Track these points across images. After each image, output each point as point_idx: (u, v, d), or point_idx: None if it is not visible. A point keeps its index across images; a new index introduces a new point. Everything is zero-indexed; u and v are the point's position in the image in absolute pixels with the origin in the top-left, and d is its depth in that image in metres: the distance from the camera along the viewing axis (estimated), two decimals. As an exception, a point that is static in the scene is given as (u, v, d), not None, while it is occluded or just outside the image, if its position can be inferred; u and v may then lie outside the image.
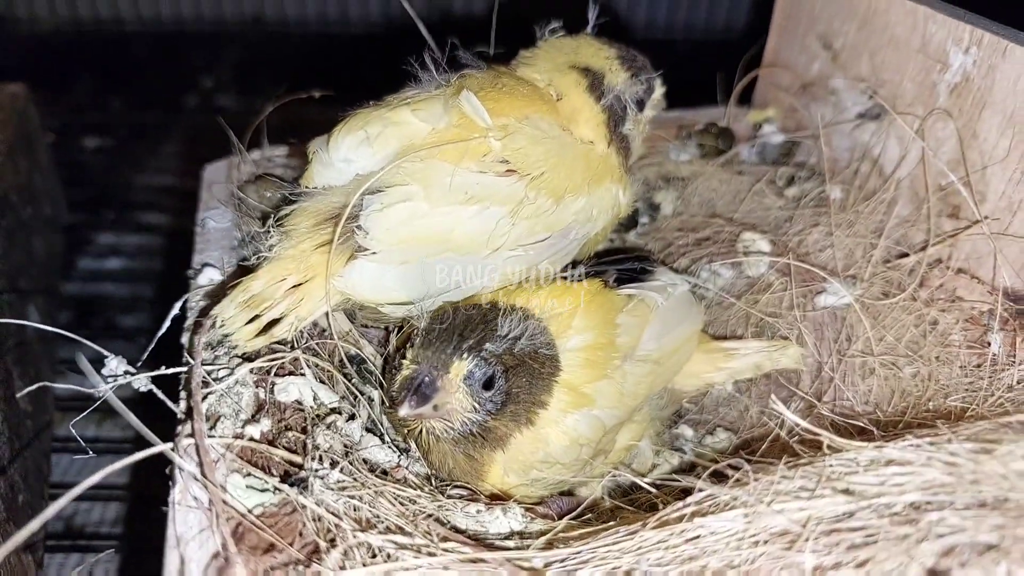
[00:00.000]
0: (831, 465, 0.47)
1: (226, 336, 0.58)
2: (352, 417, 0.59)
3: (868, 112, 0.82)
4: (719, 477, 0.49)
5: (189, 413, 0.54)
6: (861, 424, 0.60)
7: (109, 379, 0.54)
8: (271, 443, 0.54)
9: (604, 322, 0.61)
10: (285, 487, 0.50)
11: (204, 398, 0.55)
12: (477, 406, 0.55)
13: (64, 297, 1.16)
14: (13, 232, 0.93)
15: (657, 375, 0.63)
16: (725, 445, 0.70)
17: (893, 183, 0.78)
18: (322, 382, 0.60)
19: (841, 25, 0.84)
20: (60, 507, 0.41)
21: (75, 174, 1.32)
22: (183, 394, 0.56)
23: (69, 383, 0.57)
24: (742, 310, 0.74)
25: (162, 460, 0.49)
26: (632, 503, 0.59)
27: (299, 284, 0.58)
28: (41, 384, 0.64)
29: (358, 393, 0.62)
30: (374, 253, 0.57)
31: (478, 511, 0.53)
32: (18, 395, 0.82)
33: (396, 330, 0.65)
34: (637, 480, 0.57)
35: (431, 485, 0.58)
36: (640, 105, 0.71)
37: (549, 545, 0.49)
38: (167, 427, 0.53)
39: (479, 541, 0.50)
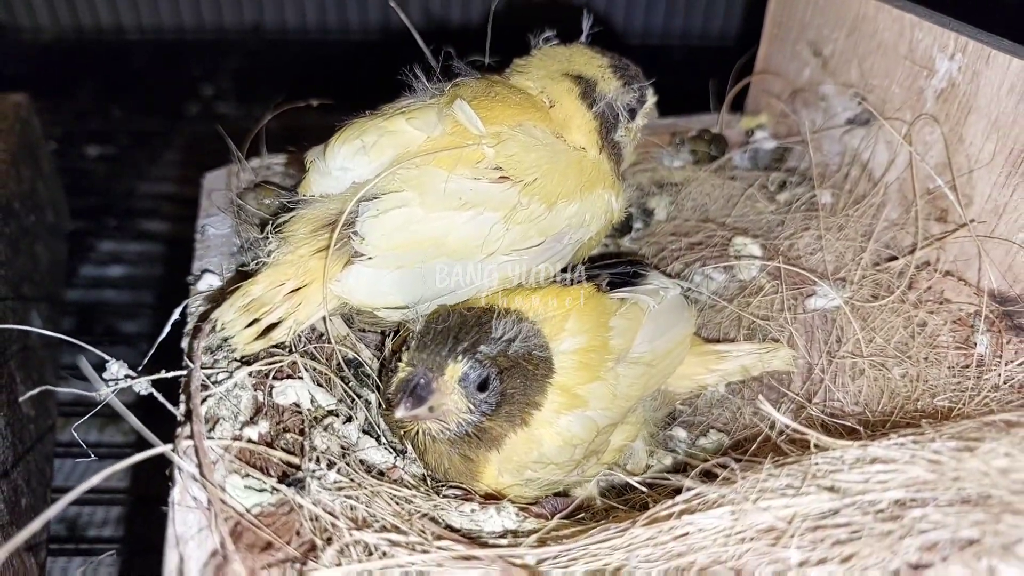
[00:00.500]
0: (817, 463, 0.47)
1: (226, 339, 0.59)
2: (349, 419, 0.60)
3: (857, 118, 0.83)
4: (708, 476, 0.50)
5: (188, 415, 0.54)
6: (850, 424, 0.61)
7: (110, 383, 0.54)
8: (269, 444, 0.54)
9: (597, 325, 0.61)
10: (283, 487, 0.50)
11: (203, 401, 0.55)
12: (472, 407, 0.55)
13: (67, 303, 1.16)
14: (17, 239, 0.95)
15: (650, 377, 0.64)
16: (718, 446, 0.71)
17: (882, 187, 0.79)
18: (320, 385, 0.61)
19: (830, 32, 0.85)
20: (61, 508, 0.41)
21: (77, 182, 1.33)
22: (183, 397, 0.57)
23: (71, 388, 0.57)
24: (734, 313, 0.75)
25: (162, 462, 0.50)
26: (625, 503, 0.60)
27: (297, 289, 0.59)
28: (44, 388, 0.64)
29: (355, 396, 0.63)
30: (370, 258, 0.58)
31: (472, 511, 0.54)
32: (21, 399, 0.82)
33: (392, 334, 0.66)
34: (629, 480, 0.58)
35: (427, 485, 0.59)
36: (632, 113, 0.71)
37: (541, 543, 0.49)
38: (167, 430, 0.54)
39: (473, 539, 0.51)
